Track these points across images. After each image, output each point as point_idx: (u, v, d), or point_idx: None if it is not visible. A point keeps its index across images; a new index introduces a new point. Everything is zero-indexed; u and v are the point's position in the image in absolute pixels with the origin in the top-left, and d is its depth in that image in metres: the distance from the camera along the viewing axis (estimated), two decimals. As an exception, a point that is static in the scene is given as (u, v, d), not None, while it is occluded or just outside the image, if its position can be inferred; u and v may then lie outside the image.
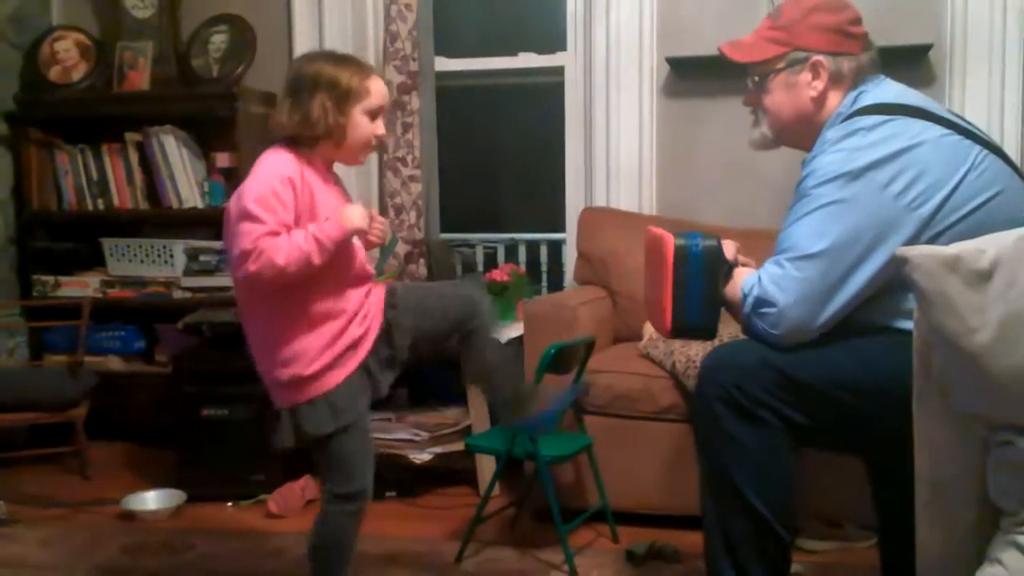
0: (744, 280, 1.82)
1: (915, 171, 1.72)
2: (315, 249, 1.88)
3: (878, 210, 1.72)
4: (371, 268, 2.08)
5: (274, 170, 1.92)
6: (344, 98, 1.94)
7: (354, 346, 2.01)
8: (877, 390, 1.70)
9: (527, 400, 2.18)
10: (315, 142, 1.95)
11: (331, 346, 1.98)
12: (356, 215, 1.96)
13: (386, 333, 2.06)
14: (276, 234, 1.86)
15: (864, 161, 1.73)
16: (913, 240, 1.70)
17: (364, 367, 2.03)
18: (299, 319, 1.96)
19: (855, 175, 1.73)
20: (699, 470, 1.86)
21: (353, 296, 2.01)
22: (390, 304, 2.08)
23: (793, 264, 1.75)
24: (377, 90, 1.99)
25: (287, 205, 1.89)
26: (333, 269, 1.96)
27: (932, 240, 1.71)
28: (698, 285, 1.81)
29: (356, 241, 2.03)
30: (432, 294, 2.16)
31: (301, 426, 1.99)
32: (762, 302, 1.76)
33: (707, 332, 1.87)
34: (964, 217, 1.72)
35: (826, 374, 1.73)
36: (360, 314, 2.02)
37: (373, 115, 1.98)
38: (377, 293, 2.08)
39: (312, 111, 1.92)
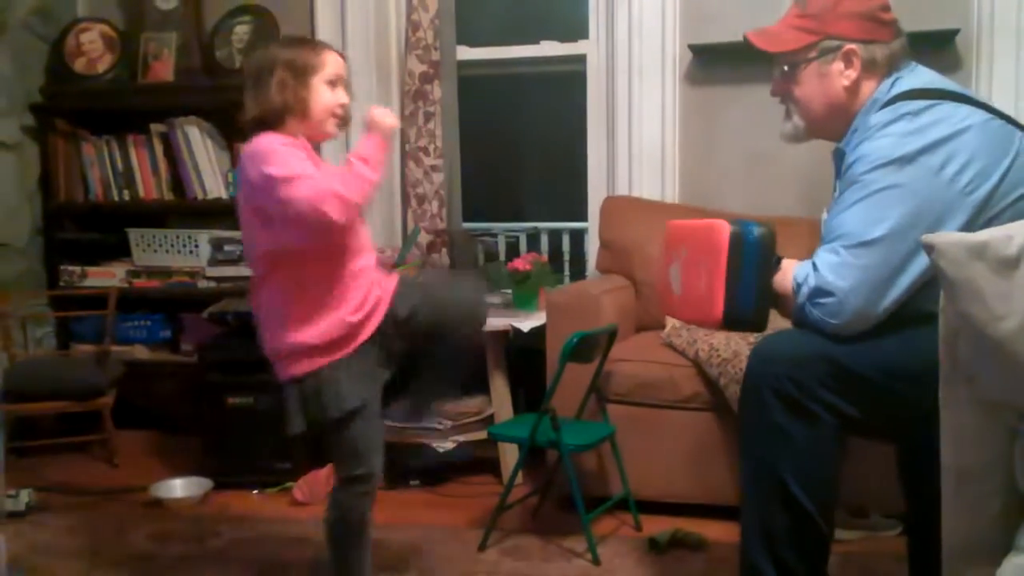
0: (796, 270, 1.79)
1: (966, 155, 1.69)
2: (367, 169, 1.93)
3: (934, 194, 1.69)
4: (369, 244, 2.09)
5: (267, 143, 1.95)
6: (302, 72, 2.01)
7: (353, 330, 2.03)
8: (930, 379, 1.68)
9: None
10: (282, 120, 2.01)
11: (332, 322, 2.01)
12: (379, 116, 2.02)
13: (390, 323, 2.08)
14: (312, 177, 1.89)
15: (916, 145, 1.70)
16: (968, 225, 1.67)
17: (367, 354, 2.05)
18: (307, 289, 2.00)
19: (908, 159, 1.70)
20: (740, 460, 1.84)
21: (351, 274, 2.03)
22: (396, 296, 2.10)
23: (850, 251, 1.71)
24: (332, 61, 2.05)
25: (301, 156, 1.93)
26: (333, 245, 2.00)
27: (984, 227, 1.66)
28: (752, 274, 1.77)
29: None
30: (435, 297, 2.16)
31: (310, 410, 2.03)
32: (820, 291, 1.72)
33: (758, 324, 1.82)
34: (1013, 203, 1.70)
35: (881, 364, 1.70)
36: (361, 298, 2.04)
37: (332, 84, 2.04)
38: (387, 281, 2.11)
39: (273, 89, 1.99)
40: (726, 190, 3.50)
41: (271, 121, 2.00)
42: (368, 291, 2.04)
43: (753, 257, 1.77)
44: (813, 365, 1.71)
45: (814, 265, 1.76)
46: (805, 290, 1.75)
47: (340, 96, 2.05)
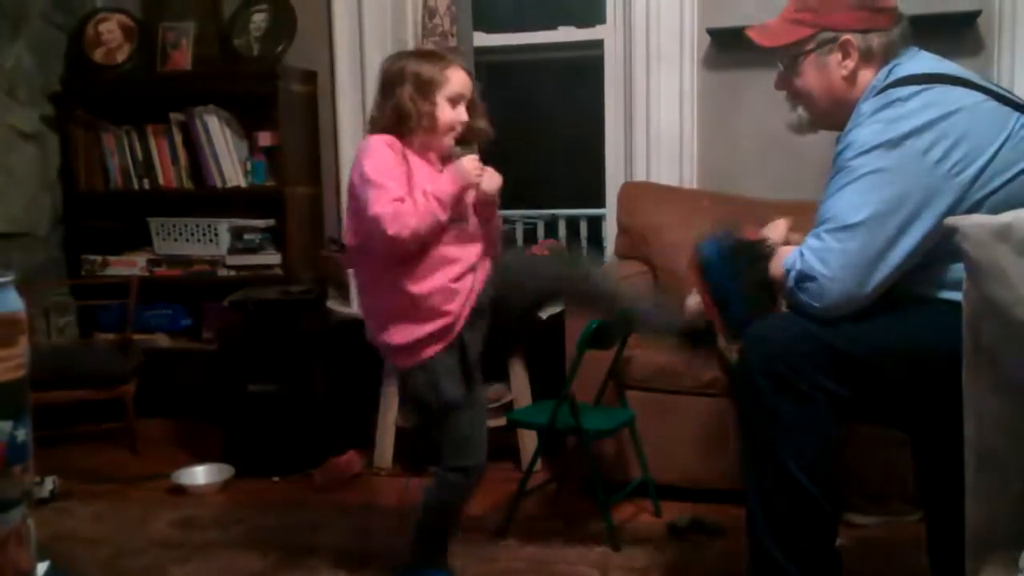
0: (786, 256, 1.81)
1: (954, 137, 1.70)
2: (436, 206, 2.03)
3: (918, 178, 1.70)
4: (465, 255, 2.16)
5: (378, 143, 2.08)
6: (427, 87, 2.09)
7: (448, 325, 2.10)
8: (920, 361, 1.68)
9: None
10: (410, 131, 2.10)
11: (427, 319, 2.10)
12: (466, 168, 2.10)
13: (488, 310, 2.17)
14: (402, 200, 2.01)
15: (902, 130, 1.71)
16: (953, 207, 1.69)
17: (459, 346, 2.13)
18: (387, 292, 2.11)
19: (894, 144, 1.71)
20: (741, 444, 1.86)
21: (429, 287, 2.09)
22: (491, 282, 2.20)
23: (832, 236, 1.74)
24: (456, 78, 2.12)
25: (399, 172, 2.05)
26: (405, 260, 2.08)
27: (973, 207, 1.69)
28: (731, 285, 1.83)
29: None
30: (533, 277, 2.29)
31: (416, 396, 2.13)
32: (804, 276, 1.75)
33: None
34: (1005, 184, 1.70)
35: (869, 345, 1.71)
36: (456, 289, 2.11)
37: (454, 102, 2.11)
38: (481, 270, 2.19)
39: (399, 101, 2.08)
40: (744, 175, 3.48)
41: (393, 130, 2.10)
42: (458, 298, 2.11)
43: (725, 270, 1.83)
44: (802, 346, 1.73)
45: (801, 251, 1.78)
46: (792, 275, 1.78)
47: (460, 114, 2.13)
